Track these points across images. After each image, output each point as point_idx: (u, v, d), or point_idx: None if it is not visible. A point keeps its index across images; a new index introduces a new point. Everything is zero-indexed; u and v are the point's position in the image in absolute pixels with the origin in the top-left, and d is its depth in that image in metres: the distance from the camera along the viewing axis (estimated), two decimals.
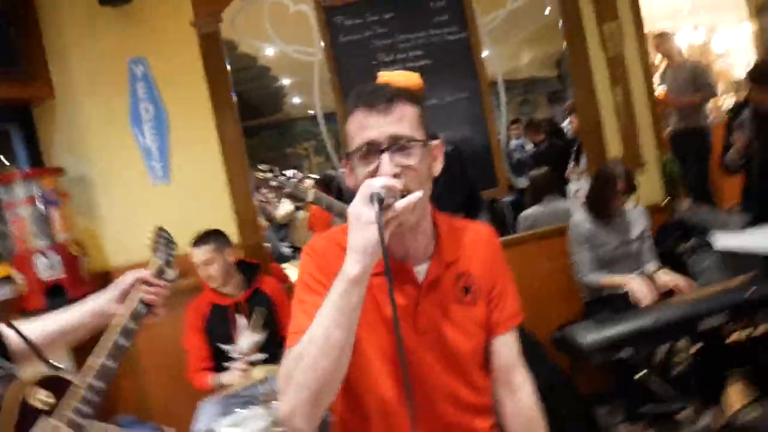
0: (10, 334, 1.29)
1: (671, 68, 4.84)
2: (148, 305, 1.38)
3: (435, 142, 1.14)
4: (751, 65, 3.57)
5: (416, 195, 1.00)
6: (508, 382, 1.23)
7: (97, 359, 1.25)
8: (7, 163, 3.22)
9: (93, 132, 2.95)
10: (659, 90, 4.27)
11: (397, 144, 1.05)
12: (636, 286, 2.62)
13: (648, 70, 3.54)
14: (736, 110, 3.80)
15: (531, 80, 9.06)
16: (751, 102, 3.22)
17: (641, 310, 2.48)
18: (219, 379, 2.50)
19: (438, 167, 1.15)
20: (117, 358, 1.28)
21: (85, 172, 2.96)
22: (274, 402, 2.06)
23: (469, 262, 1.20)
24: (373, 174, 1.04)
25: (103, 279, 2.93)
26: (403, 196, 0.99)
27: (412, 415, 0.97)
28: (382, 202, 0.95)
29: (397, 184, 0.99)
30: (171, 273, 1.52)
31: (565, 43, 3.43)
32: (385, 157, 1.04)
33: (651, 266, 2.88)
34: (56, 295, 2.71)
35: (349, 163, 1.13)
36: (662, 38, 4.82)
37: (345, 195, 2.38)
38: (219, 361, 2.55)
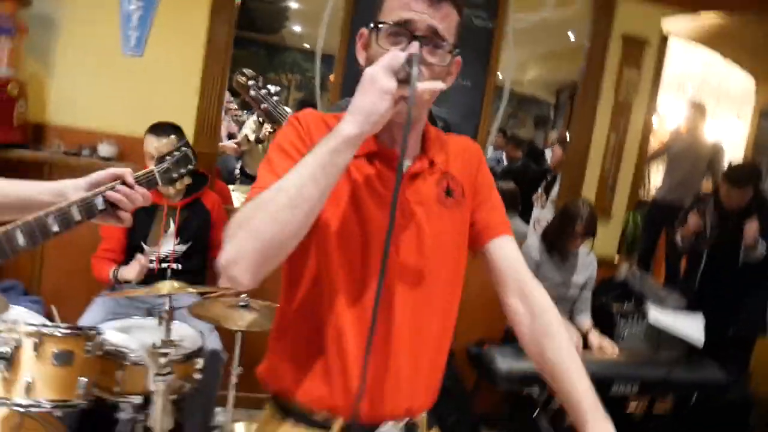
0: None
1: (688, 138, 4.75)
2: (110, 203, 1.19)
3: (458, 58, 1.06)
4: (732, 164, 3.62)
5: (439, 84, 0.95)
6: (518, 287, 1.11)
7: (5, 227, 1.07)
8: None
9: None
10: None
11: (432, 39, 0.97)
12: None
13: (648, 130, 3.53)
14: (700, 197, 3.87)
15: (526, 97, 9.04)
16: (720, 196, 3.25)
17: None
18: (118, 271, 2.32)
19: (450, 83, 1.06)
20: (32, 237, 1.10)
21: (54, 11, 2.67)
22: (174, 323, 1.92)
23: (453, 165, 1.12)
24: None
25: (35, 132, 2.69)
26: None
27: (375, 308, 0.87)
28: (409, 74, 0.88)
29: (424, 67, 0.94)
30: (164, 189, 1.32)
31: (582, 72, 3.35)
32: (416, 44, 0.95)
33: (584, 320, 2.88)
34: None
35: (367, 37, 1.04)
36: (699, 109, 4.79)
37: None
38: (130, 259, 2.37)
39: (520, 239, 3.44)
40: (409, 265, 1.03)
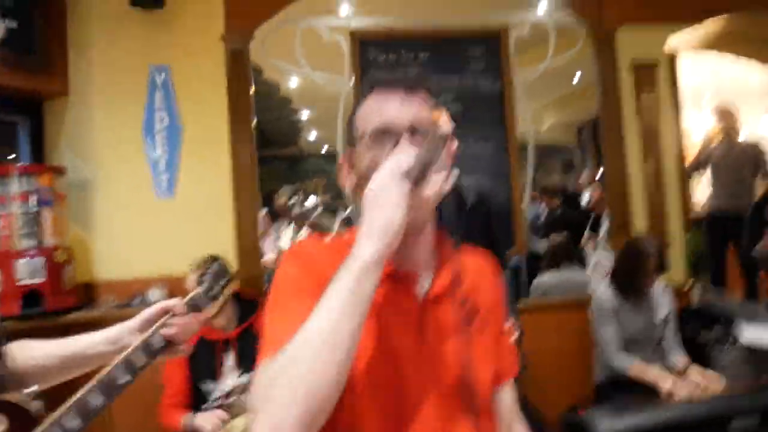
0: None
1: (725, 143, 4.48)
2: (168, 339, 1.19)
3: (453, 141, 0.98)
4: None
5: (451, 181, 0.87)
6: None
7: (79, 393, 1.06)
8: (11, 156, 3.07)
9: (102, 135, 2.82)
10: None
11: (418, 131, 0.92)
12: (670, 387, 2.43)
13: (681, 146, 3.44)
14: (759, 205, 3.66)
15: (549, 146, 9.04)
16: None
17: (666, 402, 2.27)
18: (192, 420, 2.27)
19: (450, 164, 0.99)
20: (107, 393, 1.09)
21: (88, 175, 2.81)
22: None
23: (473, 287, 1.02)
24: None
25: (85, 292, 2.75)
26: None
27: None
28: (421, 173, 0.82)
29: (429, 159, 0.84)
30: (210, 308, 1.34)
31: (596, 106, 3.33)
32: (405, 141, 0.90)
33: (678, 359, 2.68)
34: (33, 303, 2.51)
35: (351, 154, 0.99)
36: (727, 114, 4.61)
37: None
38: (198, 400, 2.32)
39: (581, 288, 3.33)
40: (441, 400, 0.93)
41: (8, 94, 2.76)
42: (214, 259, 1.49)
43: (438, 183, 0.85)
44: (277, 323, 0.86)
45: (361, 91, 1.01)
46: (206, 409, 2.29)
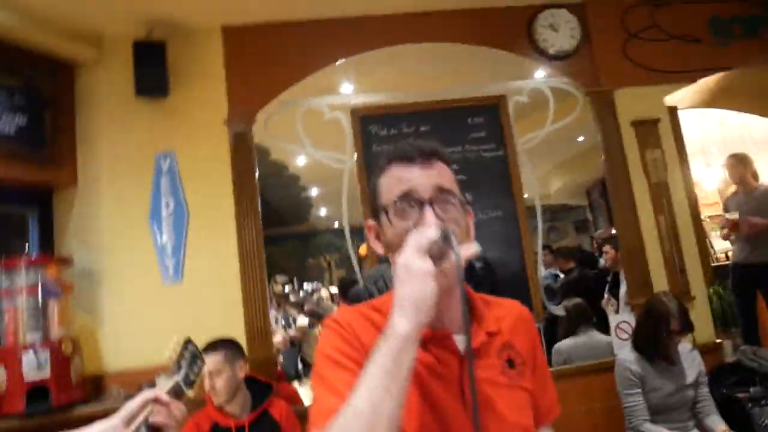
0: None
1: (742, 193, 4.18)
2: (155, 428, 1.19)
3: (470, 210, 1.03)
4: None
5: (475, 246, 0.89)
6: None
7: None
8: (21, 247, 3.09)
9: (110, 223, 2.84)
10: (734, 215, 3.88)
11: (439, 197, 0.95)
12: None
13: (693, 199, 3.38)
14: None
15: (559, 207, 9.02)
16: None
17: None
18: None
19: (472, 233, 1.04)
20: None
21: (94, 264, 2.81)
22: None
23: (510, 334, 1.05)
24: (415, 228, 0.93)
25: (93, 385, 2.67)
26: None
27: None
28: (445, 244, 0.85)
29: (451, 231, 0.87)
30: (190, 393, 1.33)
31: (602, 165, 3.31)
32: (429, 210, 0.93)
33: (717, 423, 2.52)
34: (39, 399, 2.44)
35: (376, 226, 1.02)
36: (740, 160, 4.49)
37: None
38: None
39: (604, 351, 3.19)
40: None
41: (19, 187, 2.82)
42: (187, 342, 1.47)
43: (468, 254, 0.86)
44: (322, 395, 0.90)
45: (375, 163, 1.03)
46: None
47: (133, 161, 2.87)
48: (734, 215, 3.75)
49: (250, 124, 2.99)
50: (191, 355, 1.42)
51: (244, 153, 2.97)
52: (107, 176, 2.86)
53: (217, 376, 2.26)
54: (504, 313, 1.08)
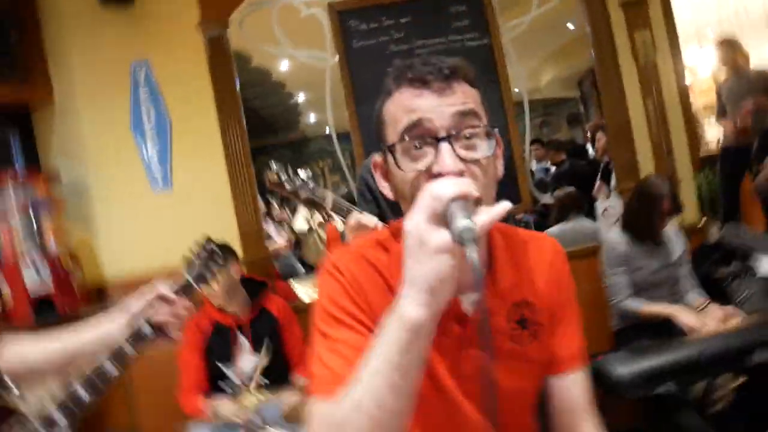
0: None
1: (733, 76, 4.25)
2: (157, 327, 1.19)
3: (498, 138, 0.84)
4: None
5: (504, 206, 0.69)
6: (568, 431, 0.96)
7: (68, 388, 1.05)
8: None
9: (92, 137, 2.80)
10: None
11: (461, 129, 0.78)
12: (687, 319, 2.38)
13: (682, 82, 3.33)
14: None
15: (551, 101, 8.90)
16: None
17: (683, 341, 2.24)
18: (215, 408, 2.28)
19: (501, 169, 0.86)
20: (95, 387, 1.09)
21: (83, 178, 2.81)
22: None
23: (529, 287, 0.93)
24: (428, 173, 0.77)
25: (96, 294, 2.76)
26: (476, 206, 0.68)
27: None
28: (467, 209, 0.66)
29: (472, 188, 0.69)
30: (206, 289, 1.34)
31: (593, 55, 3.23)
32: (446, 148, 0.76)
33: (695, 297, 2.63)
34: (45, 311, 2.53)
35: (384, 163, 0.86)
36: (729, 45, 4.41)
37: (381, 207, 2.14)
38: (215, 381, 2.34)
39: (591, 237, 3.28)
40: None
41: None
42: (208, 242, 1.47)
43: (492, 217, 0.67)
44: (324, 356, 0.81)
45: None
46: (225, 392, 2.30)
47: (108, 72, 2.78)
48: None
49: (225, 28, 2.88)
50: (209, 253, 1.42)
51: (222, 58, 2.88)
52: (82, 90, 2.78)
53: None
54: (528, 257, 0.96)
